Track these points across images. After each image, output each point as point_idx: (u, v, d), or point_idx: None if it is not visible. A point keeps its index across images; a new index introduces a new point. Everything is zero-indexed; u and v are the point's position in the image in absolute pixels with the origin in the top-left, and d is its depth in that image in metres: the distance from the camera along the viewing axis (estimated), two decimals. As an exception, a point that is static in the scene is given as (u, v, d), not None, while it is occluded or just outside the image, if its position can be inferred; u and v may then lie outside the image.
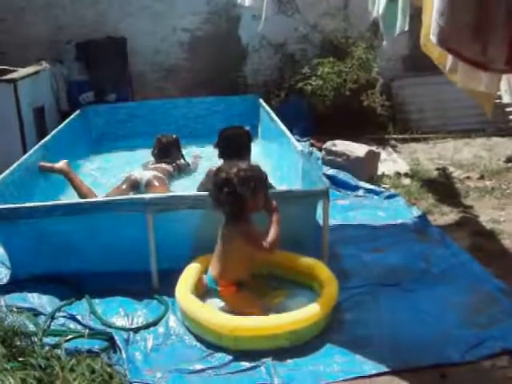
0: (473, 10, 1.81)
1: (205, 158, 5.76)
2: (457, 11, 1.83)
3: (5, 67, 6.44)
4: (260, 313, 3.02)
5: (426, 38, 3.39)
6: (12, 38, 7.44)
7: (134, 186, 4.78)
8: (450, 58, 2.68)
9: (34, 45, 7.42)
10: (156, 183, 4.77)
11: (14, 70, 6.31)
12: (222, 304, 3.19)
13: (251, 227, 3.13)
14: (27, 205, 3.54)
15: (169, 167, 5.30)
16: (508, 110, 7.37)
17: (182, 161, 5.58)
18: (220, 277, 3.17)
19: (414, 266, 3.74)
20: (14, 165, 4.27)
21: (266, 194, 3.19)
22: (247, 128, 4.54)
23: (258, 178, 3.13)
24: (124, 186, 4.79)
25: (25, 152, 5.14)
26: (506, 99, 7.37)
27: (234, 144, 4.33)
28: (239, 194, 3.03)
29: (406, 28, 4.95)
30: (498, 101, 7.30)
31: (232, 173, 3.07)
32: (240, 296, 3.15)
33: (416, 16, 4.65)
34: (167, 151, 5.46)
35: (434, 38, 1.93)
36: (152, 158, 5.53)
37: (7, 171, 4.11)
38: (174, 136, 5.64)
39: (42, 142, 5.12)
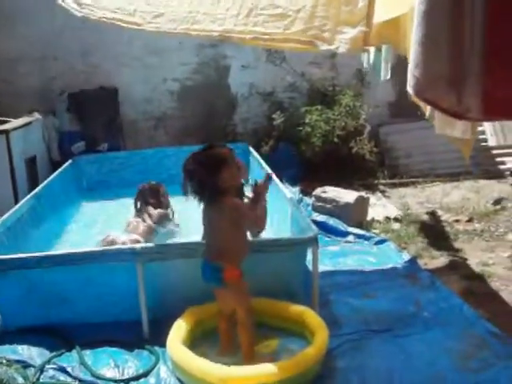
0: (446, 61, 1.87)
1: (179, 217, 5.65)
2: (431, 62, 1.89)
3: (-3, 118, 6.53)
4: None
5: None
6: (5, 88, 7.57)
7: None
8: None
9: (27, 95, 7.55)
10: None
11: (7, 121, 6.38)
12: (216, 352, 3.19)
13: (234, 199, 3.05)
14: (17, 256, 3.53)
15: (146, 225, 5.06)
16: (494, 152, 7.50)
17: (163, 210, 5.38)
18: (223, 257, 3.00)
19: (404, 310, 3.74)
20: (6, 215, 4.28)
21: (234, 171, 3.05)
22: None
23: (214, 158, 3.03)
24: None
25: (16, 202, 5.17)
26: (491, 142, 7.54)
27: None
28: (201, 177, 2.98)
29: (388, 76, 5.17)
30: (484, 144, 7.46)
31: (188, 161, 3.06)
32: (243, 283, 3.05)
33: (399, 64, 4.83)
34: (145, 198, 5.36)
35: (410, 89, 1.99)
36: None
37: (-2, 221, 4.12)
38: (153, 182, 5.54)
39: (34, 191, 5.14)
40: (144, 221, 5.10)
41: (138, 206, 5.36)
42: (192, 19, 3.89)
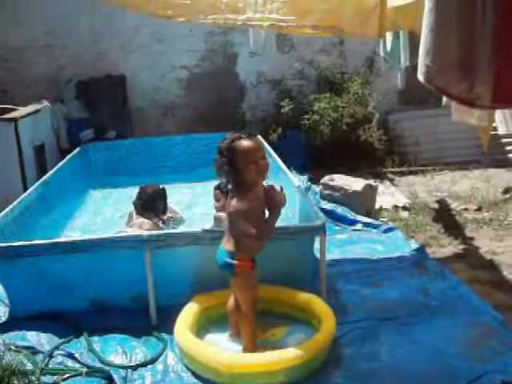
0: (458, 49, 1.86)
1: (186, 206, 5.67)
2: (442, 50, 1.88)
3: (6, 106, 6.53)
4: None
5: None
6: (13, 77, 7.59)
7: None
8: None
9: (35, 84, 7.57)
10: None
11: (15, 109, 6.39)
12: (223, 339, 3.21)
13: (243, 205, 2.93)
14: (26, 243, 3.55)
15: (154, 225, 4.78)
16: (504, 141, 7.44)
17: (166, 216, 5.08)
18: (236, 249, 2.97)
19: (412, 299, 3.74)
20: (15, 202, 4.29)
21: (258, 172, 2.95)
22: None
23: (238, 150, 2.95)
24: None
25: (25, 189, 5.18)
26: (501, 130, 7.46)
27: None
28: (226, 164, 2.95)
29: (408, 63, 5.17)
30: (493, 132, 7.38)
31: (224, 142, 3.00)
32: (252, 275, 3.03)
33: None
34: (152, 204, 5.00)
35: (421, 77, 1.98)
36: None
37: (7, 209, 4.13)
38: (161, 186, 5.21)
39: (43, 179, 5.15)
40: (156, 224, 4.82)
41: (139, 208, 5.00)
42: (217, 9, 3.98)
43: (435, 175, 6.95)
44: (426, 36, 1.90)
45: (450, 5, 1.90)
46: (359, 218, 5.23)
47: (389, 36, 5.29)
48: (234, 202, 2.96)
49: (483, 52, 1.85)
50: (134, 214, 4.93)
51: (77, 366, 3.07)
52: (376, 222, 5.16)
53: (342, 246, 4.67)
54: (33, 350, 3.18)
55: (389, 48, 5.41)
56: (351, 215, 5.27)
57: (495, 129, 7.50)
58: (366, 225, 5.13)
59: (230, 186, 3.08)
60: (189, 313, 3.25)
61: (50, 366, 3.06)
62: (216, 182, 4.80)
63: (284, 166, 5.10)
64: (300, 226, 3.77)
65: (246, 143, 2.97)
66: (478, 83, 1.86)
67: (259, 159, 2.96)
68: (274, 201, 3.04)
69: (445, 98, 3.72)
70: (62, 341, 3.29)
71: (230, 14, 4.01)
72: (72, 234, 4.91)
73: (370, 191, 5.58)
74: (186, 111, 8.02)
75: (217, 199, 4.70)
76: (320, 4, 3.80)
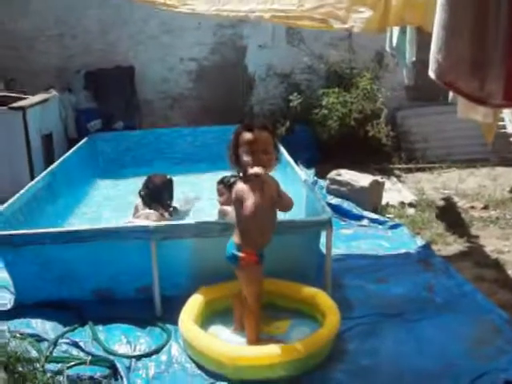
0: (470, 46, 1.85)
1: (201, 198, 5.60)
2: (454, 47, 1.87)
3: (14, 94, 6.54)
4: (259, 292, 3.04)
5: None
6: (23, 65, 7.58)
7: None
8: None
9: (44, 73, 7.57)
10: None
11: (24, 98, 6.40)
12: (227, 331, 3.23)
13: (242, 193, 2.93)
14: (31, 231, 3.57)
15: (161, 216, 4.72)
16: (512, 139, 7.40)
17: (171, 207, 5.00)
18: (242, 242, 2.97)
19: (417, 296, 3.73)
20: (22, 191, 4.31)
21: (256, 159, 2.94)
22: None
23: (239, 141, 3.00)
24: None
25: (32, 178, 5.20)
26: (510, 129, 7.43)
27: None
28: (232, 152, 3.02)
29: (414, 58, 5.13)
30: (502, 130, 7.35)
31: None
32: (257, 269, 3.02)
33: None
34: (158, 194, 4.91)
35: (432, 74, 1.97)
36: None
37: (14, 197, 4.15)
38: (168, 177, 5.08)
39: (50, 168, 5.17)
40: (163, 215, 4.78)
41: (145, 198, 4.89)
42: (223, 0, 3.92)
43: (442, 172, 6.93)
44: (439, 33, 1.89)
45: (463, 2, 1.89)
46: (365, 213, 5.22)
47: (395, 31, 5.25)
48: (234, 190, 2.99)
49: (495, 50, 1.84)
50: (141, 204, 4.91)
51: (81, 354, 3.08)
52: (382, 218, 5.16)
53: (347, 241, 4.66)
54: (38, 338, 3.20)
55: (394, 43, 5.37)
56: (357, 210, 5.26)
57: (504, 127, 7.48)
58: (372, 221, 5.12)
59: (232, 180, 3.08)
60: (194, 304, 3.26)
61: (54, 354, 3.07)
62: (221, 175, 4.79)
63: (291, 160, 5.09)
64: (306, 220, 3.77)
65: (246, 134, 2.97)
66: (490, 81, 1.85)
67: (259, 152, 2.94)
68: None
69: (451, 95, 3.69)
70: (66, 329, 3.31)
71: (234, 5, 3.98)
72: (78, 223, 4.92)
73: (377, 187, 5.57)
74: (194, 103, 8.01)
75: (220, 194, 4.69)
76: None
